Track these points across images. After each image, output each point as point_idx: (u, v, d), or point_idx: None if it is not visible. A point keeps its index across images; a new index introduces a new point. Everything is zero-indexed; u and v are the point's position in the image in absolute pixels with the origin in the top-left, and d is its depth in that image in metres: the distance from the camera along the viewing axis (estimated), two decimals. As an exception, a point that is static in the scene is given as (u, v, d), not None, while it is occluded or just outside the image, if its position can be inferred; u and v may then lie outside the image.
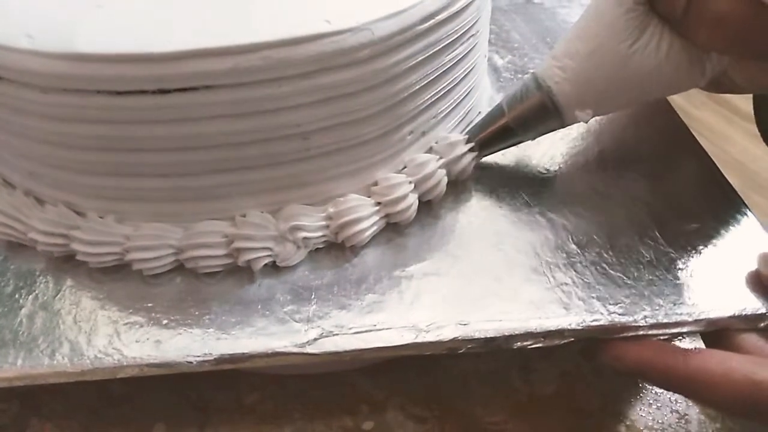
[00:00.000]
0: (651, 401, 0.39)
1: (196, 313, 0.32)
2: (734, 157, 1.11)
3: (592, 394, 0.39)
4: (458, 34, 0.34)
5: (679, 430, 0.38)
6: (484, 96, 0.43)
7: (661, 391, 0.39)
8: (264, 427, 0.38)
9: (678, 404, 0.39)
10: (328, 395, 0.39)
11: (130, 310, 0.32)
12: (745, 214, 0.36)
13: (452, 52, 0.35)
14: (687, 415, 0.39)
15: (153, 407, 0.39)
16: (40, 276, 0.34)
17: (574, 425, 0.38)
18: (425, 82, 0.34)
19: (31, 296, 0.33)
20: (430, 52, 0.33)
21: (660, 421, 0.38)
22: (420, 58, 0.32)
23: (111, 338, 0.31)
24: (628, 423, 0.38)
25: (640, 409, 0.39)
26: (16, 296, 0.33)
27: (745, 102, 1.31)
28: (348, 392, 0.40)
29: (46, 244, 0.33)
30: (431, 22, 0.32)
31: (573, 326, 0.31)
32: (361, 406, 0.39)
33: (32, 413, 0.38)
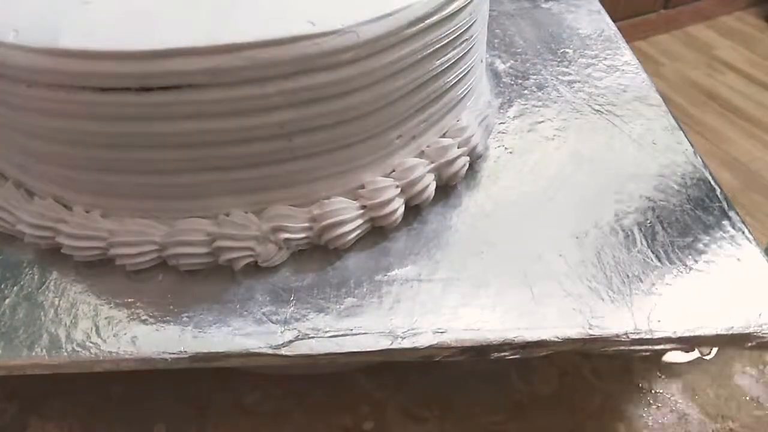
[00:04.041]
0: (651, 401, 0.39)
1: (176, 310, 0.32)
2: (734, 157, 1.11)
3: (592, 394, 0.39)
4: (449, 39, 0.34)
5: (679, 430, 0.37)
6: (481, 100, 0.43)
7: (661, 390, 0.39)
8: (264, 427, 0.38)
9: (678, 404, 0.39)
10: (328, 395, 0.40)
11: (111, 305, 0.32)
12: (739, 230, 0.36)
13: (443, 56, 0.34)
14: (687, 415, 0.38)
15: (153, 407, 0.39)
16: (27, 267, 0.34)
17: (574, 425, 0.38)
18: (413, 86, 0.33)
19: (16, 287, 0.33)
20: (419, 57, 0.32)
21: (660, 421, 0.38)
22: (408, 62, 0.32)
23: (89, 332, 0.31)
24: (627, 423, 0.38)
25: (640, 409, 0.38)
26: (2, 286, 0.33)
27: (745, 102, 1.30)
28: (348, 392, 0.40)
29: (33, 237, 0.34)
30: (419, 26, 0.31)
31: (552, 338, 0.30)
32: (361, 406, 0.39)
33: (32, 413, 0.39)
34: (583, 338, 0.30)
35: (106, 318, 0.32)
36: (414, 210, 0.37)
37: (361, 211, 0.35)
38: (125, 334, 0.31)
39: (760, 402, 0.39)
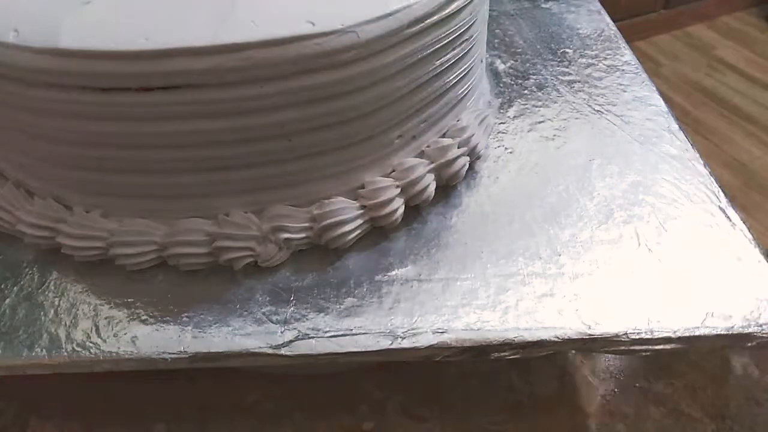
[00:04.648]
0: (651, 401, 0.39)
1: (175, 310, 0.32)
2: (734, 157, 1.11)
3: (592, 394, 0.39)
4: (449, 39, 0.34)
5: (679, 430, 0.37)
6: (481, 101, 0.43)
7: (661, 390, 0.39)
8: (264, 427, 0.38)
9: (678, 404, 0.39)
10: (328, 395, 0.40)
11: (111, 305, 0.32)
12: (739, 230, 0.35)
13: (443, 56, 0.34)
14: (686, 414, 0.38)
15: (153, 407, 0.39)
16: (27, 268, 0.34)
17: (574, 425, 0.38)
18: (414, 86, 0.33)
19: (16, 287, 0.33)
20: (419, 57, 0.32)
21: (660, 421, 0.38)
22: (408, 62, 0.32)
23: (89, 332, 0.31)
24: (627, 423, 0.38)
25: (640, 409, 0.38)
26: (2, 286, 0.33)
27: (745, 102, 1.30)
28: (348, 392, 0.40)
29: (33, 237, 0.34)
30: (419, 26, 0.31)
31: (552, 338, 0.30)
32: (361, 406, 0.39)
33: (32, 413, 0.39)
34: (583, 338, 0.30)
35: (106, 318, 0.32)
36: (414, 210, 0.37)
37: (361, 211, 0.35)
38: (125, 334, 0.31)
39: (760, 402, 0.39)
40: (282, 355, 0.30)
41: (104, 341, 0.30)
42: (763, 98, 1.37)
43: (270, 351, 0.30)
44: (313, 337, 0.30)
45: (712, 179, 0.39)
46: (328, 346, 0.30)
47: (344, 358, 0.30)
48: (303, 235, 0.34)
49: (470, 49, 0.37)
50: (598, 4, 0.57)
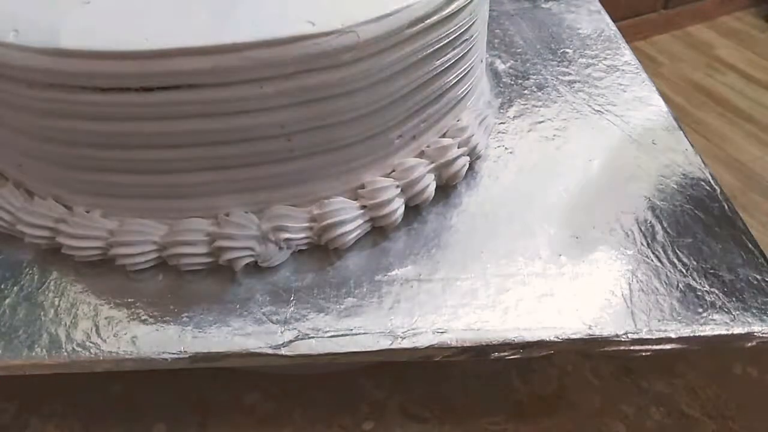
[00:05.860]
0: (651, 401, 0.39)
1: (176, 310, 0.32)
2: (734, 157, 1.12)
3: (592, 394, 0.39)
4: (449, 39, 0.34)
5: (679, 430, 0.37)
6: (481, 101, 0.43)
7: (661, 390, 0.39)
8: (264, 427, 0.38)
9: (678, 404, 0.39)
10: (328, 395, 0.40)
11: (111, 305, 0.32)
12: (738, 230, 0.35)
13: (443, 57, 0.34)
14: (687, 414, 0.38)
15: (153, 407, 0.39)
16: (27, 267, 0.34)
17: (574, 425, 0.38)
18: (413, 86, 0.33)
19: (16, 287, 0.33)
20: (419, 57, 0.32)
21: (660, 421, 0.38)
22: (408, 63, 0.32)
23: (89, 332, 0.31)
24: (627, 423, 0.38)
25: (640, 409, 0.38)
26: (2, 286, 0.33)
27: (745, 102, 1.30)
28: (348, 392, 0.40)
29: (33, 236, 0.34)
30: (419, 26, 0.31)
31: (552, 339, 0.30)
32: (361, 406, 0.39)
33: (32, 413, 0.39)
34: (583, 338, 0.30)
35: (106, 318, 0.32)
36: (414, 210, 0.37)
37: (361, 211, 0.35)
38: (125, 334, 0.31)
39: (760, 402, 0.39)
40: (282, 355, 0.30)
41: (104, 341, 0.30)
42: (763, 98, 1.37)
43: (270, 351, 0.30)
44: (313, 337, 0.30)
45: (712, 179, 0.39)
46: (328, 346, 0.30)
47: (344, 358, 0.30)
48: (303, 235, 0.34)
49: (470, 49, 0.37)
50: (598, 4, 0.57)
